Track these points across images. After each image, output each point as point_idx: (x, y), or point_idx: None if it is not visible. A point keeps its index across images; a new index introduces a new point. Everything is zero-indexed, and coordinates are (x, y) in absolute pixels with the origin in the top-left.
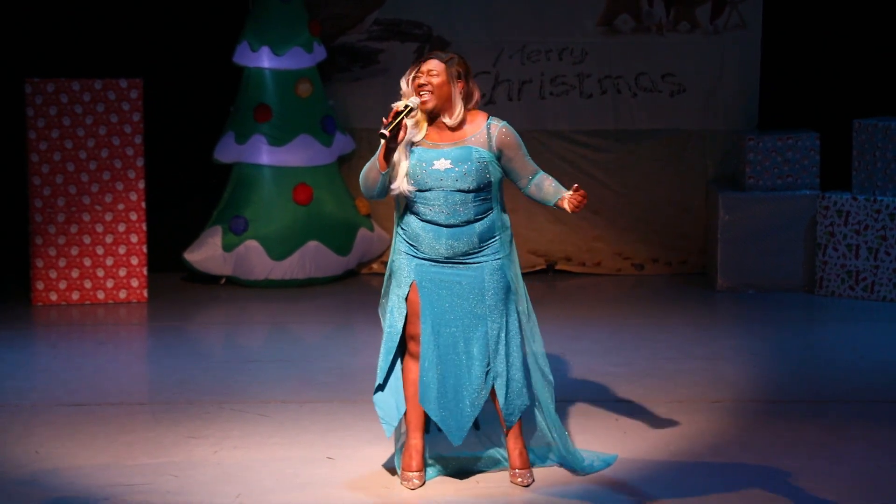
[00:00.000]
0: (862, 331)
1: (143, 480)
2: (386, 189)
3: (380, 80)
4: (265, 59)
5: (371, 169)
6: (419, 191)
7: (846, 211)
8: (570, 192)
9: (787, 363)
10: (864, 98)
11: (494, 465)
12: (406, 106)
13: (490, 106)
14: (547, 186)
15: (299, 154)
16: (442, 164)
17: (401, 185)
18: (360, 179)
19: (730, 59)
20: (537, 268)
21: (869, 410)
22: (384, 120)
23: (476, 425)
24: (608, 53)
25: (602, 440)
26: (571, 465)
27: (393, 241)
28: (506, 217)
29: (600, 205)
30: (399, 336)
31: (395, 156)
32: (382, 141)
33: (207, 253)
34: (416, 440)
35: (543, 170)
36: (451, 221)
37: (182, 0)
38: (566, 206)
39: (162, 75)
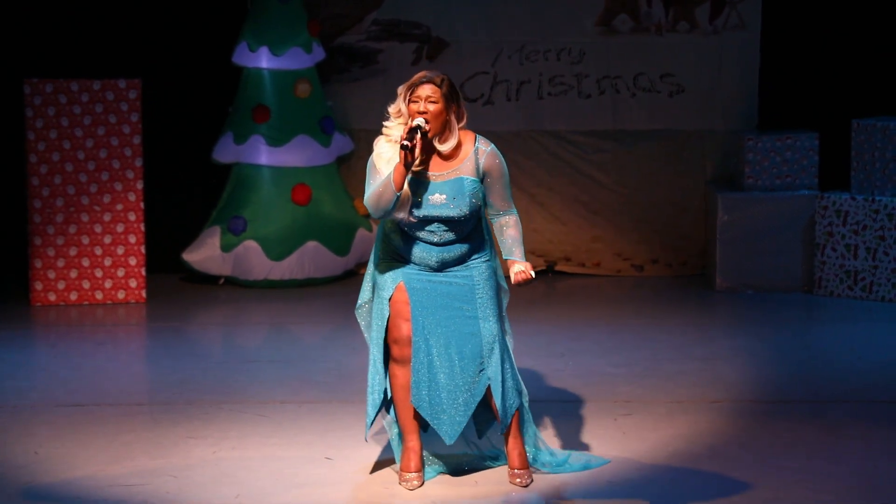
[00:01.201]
0: (861, 331)
1: (142, 481)
2: (396, 208)
3: (379, 81)
4: (264, 60)
5: (385, 190)
6: (417, 219)
7: (845, 211)
8: (522, 266)
9: (786, 363)
10: (863, 98)
11: (493, 464)
12: (417, 126)
13: (489, 106)
14: (507, 235)
15: (298, 154)
16: (437, 198)
17: (405, 215)
18: (370, 201)
19: (729, 59)
20: (537, 268)
21: (868, 410)
22: (402, 135)
23: (479, 434)
24: (607, 54)
25: (601, 441)
26: (545, 463)
27: (374, 251)
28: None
29: (599, 205)
30: (383, 343)
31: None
32: (398, 160)
33: (206, 253)
34: (413, 442)
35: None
36: (444, 241)
37: (181, 0)
38: (511, 274)
39: (160, 76)
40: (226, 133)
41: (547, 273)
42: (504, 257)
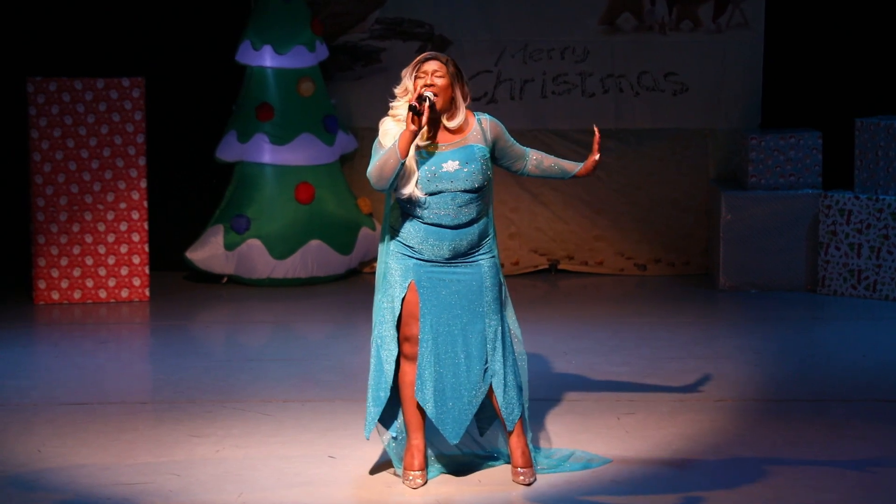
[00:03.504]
0: (864, 330)
1: (145, 479)
2: (397, 180)
3: (382, 79)
4: (267, 58)
5: (389, 157)
6: (429, 195)
7: (848, 210)
8: (584, 164)
9: (789, 362)
10: (867, 97)
11: (494, 463)
12: (427, 96)
13: (492, 105)
14: (549, 164)
15: (301, 153)
16: (451, 165)
17: (412, 190)
18: (373, 171)
19: (732, 57)
20: (540, 267)
21: (871, 409)
22: (411, 98)
23: (480, 431)
24: (610, 52)
25: (604, 439)
26: (542, 466)
27: (382, 246)
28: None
29: (602, 204)
30: (394, 341)
31: (408, 156)
32: (405, 126)
33: (209, 252)
34: (417, 440)
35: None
36: (457, 223)
37: None
38: (592, 164)
39: (164, 74)
40: (229, 131)
41: (550, 272)
42: (572, 175)
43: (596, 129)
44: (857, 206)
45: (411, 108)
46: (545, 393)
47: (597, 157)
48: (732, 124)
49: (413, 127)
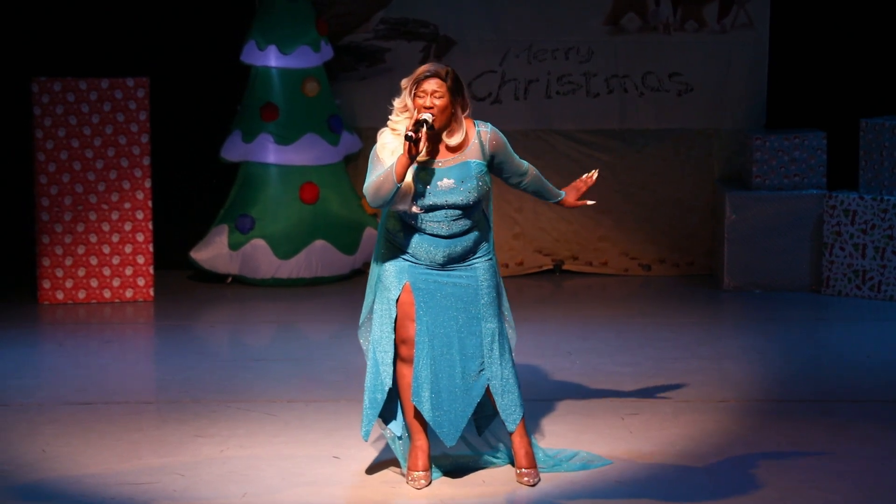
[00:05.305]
0: (869, 330)
1: (150, 479)
2: (394, 199)
3: (386, 79)
4: (272, 58)
5: (385, 180)
6: (424, 210)
7: (853, 210)
8: (567, 198)
9: (793, 363)
10: (872, 97)
11: (494, 461)
12: (424, 120)
13: (496, 105)
14: (539, 186)
15: (306, 153)
16: (446, 183)
17: (407, 206)
18: (369, 191)
19: (737, 58)
20: (544, 267)
21: (876, 410)
22: (408, 126)
23: (478, 431)
24: (615, 53)
25: (607, 440)
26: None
27: (377, 248)
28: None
29: (607, 205)
30: (391, 343)
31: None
32: (402, 151)
33: (214, 251)
34: (420, 441)
35: (537, 165)
36: (451, 233)
37: None
38: (567, 205)
39: (169, 74)
40: (234, 131)
41: (554, 272)
42: (555, 201)
43: (594, 174)
44: (862, 207)
45: (408, 137)
46: (549, 393)
47: (587, 203)
48: (737, 124)
49: (410, 155)
